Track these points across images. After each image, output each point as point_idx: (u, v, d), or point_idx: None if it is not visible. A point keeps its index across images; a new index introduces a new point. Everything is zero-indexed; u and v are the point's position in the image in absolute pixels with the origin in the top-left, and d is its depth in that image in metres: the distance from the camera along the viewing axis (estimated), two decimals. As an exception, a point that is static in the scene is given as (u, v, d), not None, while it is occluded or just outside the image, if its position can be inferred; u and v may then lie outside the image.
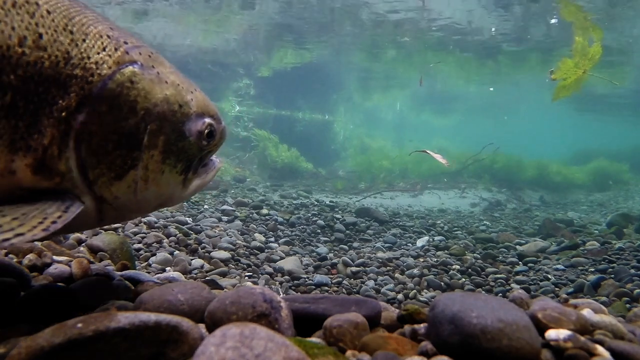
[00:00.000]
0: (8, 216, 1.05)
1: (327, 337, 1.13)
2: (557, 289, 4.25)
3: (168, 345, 0.96)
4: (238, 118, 16.78)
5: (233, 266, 4.04)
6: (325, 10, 11.62)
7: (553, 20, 9.91)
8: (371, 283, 4.28)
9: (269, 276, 4.06)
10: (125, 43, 1.31)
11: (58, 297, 1.29)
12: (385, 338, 1.12)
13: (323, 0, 11.01)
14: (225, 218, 5.69)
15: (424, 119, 35.32)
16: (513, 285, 4.42)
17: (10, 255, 1.80)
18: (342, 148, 18.59)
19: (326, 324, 1.16)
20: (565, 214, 9.72)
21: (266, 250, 4.70)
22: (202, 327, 1.16)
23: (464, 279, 4.55)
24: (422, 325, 1.23)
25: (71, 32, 1.20)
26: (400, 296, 4.07)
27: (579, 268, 4.68)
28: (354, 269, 4.56)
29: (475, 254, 5.40)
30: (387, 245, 5.68)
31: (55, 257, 1.83)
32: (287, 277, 4.13)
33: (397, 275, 4.58)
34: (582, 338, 1.04)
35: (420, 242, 5.83)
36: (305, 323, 1.25)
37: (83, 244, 2.43)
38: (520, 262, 5.13)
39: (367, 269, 4.62)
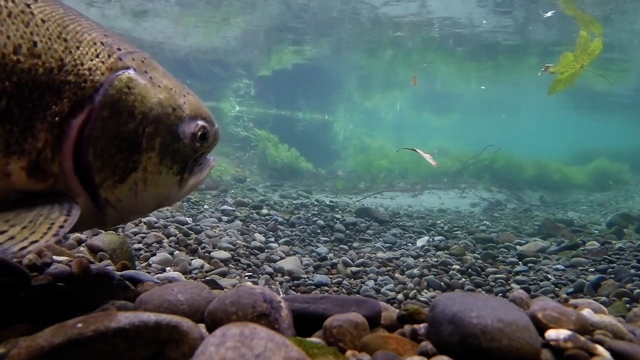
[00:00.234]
0: (17, 226, 1.09)
1: (327, 337, 1.13)
2: (557, 289, 4.25)
3: (168, 345, 0.96)
4: (238, 118, 16.78)
5: (233, 266, 4.04)
6: (325, 10, 11.62)
7: (549, 13, 9.85)
8: (371, 283, 4.28)
9: (269, 276, 4.06)
10: (119, 49, 1.36)
11: (58, 297, 1.29)
12: (385, 338, 1.12)
13: (323, 0, 11.01)
14: (225, 218, 5.69)
15: (423, 118, 35.32)
16: (513, 285, 4.42)
17: (10, 255, 1.79)
18: (342, 148, 18.59)
19: (326, 324, 1.16)
20: (565, 214, 9.72)
21: (266, 250, 4.70)
22: (202, 327, 1.16)
23: (464, 279, 4.55)
24: (422, 325, 1.23)
25: (65, 40, 1.24)
26: (400, 296, 4.07)
27: (579, 268, 4.68)
28: (354, 269, 4.56)
29: (475, 254, 5.40)
30: (387, 245, 5.68)
31: (55, 257, 1.83)
32: (287, 277, 4.13)
33: (397, 275, 4.58)
34: (582, 338, 1.04)
35: (420, 242, 5.83)
36: (305, 323, 1.25)
37: (83, 244, 2.43)
38: (520, 262, 5.13)
39: (367, 269, 4.62)
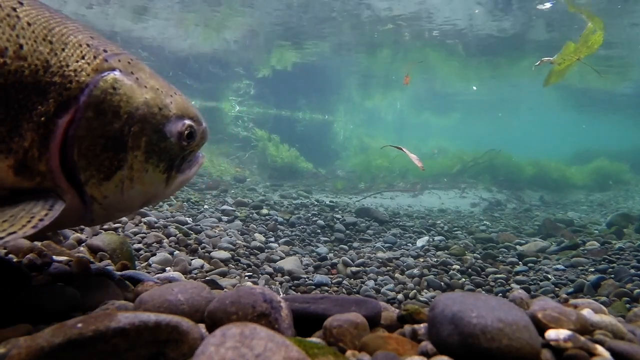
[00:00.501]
0: None
1: (327, 337, 1.13)
2: (557, 289, 4.25)
3: (168, 345, 0.96)
4: (238, 118, 16.78)
5: (233, 266, 4.04)
6: (325, 10, 11.62)
7: (547, 5, 9.81)
8: (371, 283, 4.28)
9: (269, 276, 4.06)
10: (105, 51, 1.39)
11: (58, 297, 1.29)
12: (385, 338, 1.12)
13: (323, 0, 11.01)
14: (225, 218, 5.69)
15: (423, 118, 35.34)
16: (513, 285, 4.42)
17: (11, 255, 1.80)
18: (342, 148, 18.61)
19: (326, 324, 1.16)
20: (565, 214, 9.72)
21: (266, 250, 4.70)
22: (202, 327, 1.16)
23: (464, 279, 4.55)
24: (422, 325, 1.23)
25: (50, 42, 1.27)
26: (400, 296, 4.07)
27: (579, 268, 4.68)
28: (354, 269, 4.56)
29: (475, 254, 5.40)
30: (387, 245, 5.68)
31: (55, 257, 1.83)
32: (287, 277, 4.13)
33: (397, 275, 4.58)
34: (582, 338, 1.04)
35: (420, 242, 5.83)
36: (305, 323, 1.25)
37: (83, 244, 2.43)
38: (520, 262, 5.13)
39: (367, 269, 4.62)
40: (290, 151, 14.02)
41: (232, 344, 0.81)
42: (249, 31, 14.15)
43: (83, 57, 1.32)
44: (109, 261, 2.32)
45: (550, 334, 1.05)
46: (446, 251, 5.46)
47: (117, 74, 1.36)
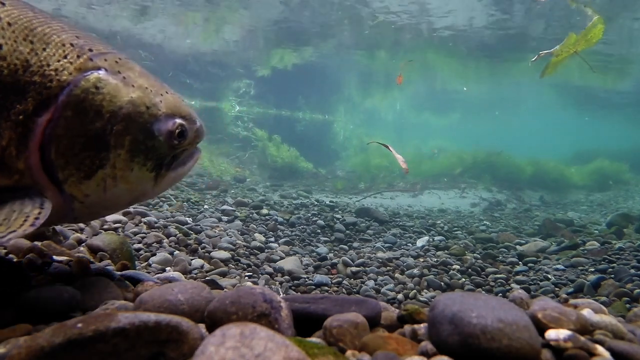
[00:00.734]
0: None
1: (327, 337, 1.13)
2: (557, 289, 4.25)
3: (168, 345, 0.96)
4: (238, 118, 16.78)
5: (233, 266, 4.04)
6: (325, 9, 11.62)
7: None
8: (371, 283, 4.28)
9: (269, 276, 4.06)
10: (90, 50, 1.39)
11: (58, 297, 1.29)
12: (385, 338, 1.12)
13: (323, 0, 11.01)
14: (225, 218, 5.69)
15: (423, 118, 35.34)
16: (513, 285, 4.42)
17: (11, 255, 1.80)
18: (342, 148, 18.61)
19: (326, 324, 1.16)
20: (565, 214, 9.73)
21: (266, 250, 4.70)
22: (202, 327, 1.16)
23: (464, 279, 4.55)
24: (422, 325, 1.23)
25: (31, 42, 1.28)
26: (400, 296, 4.07)
27: (579, 268, 4.68)
28: (354, 269, 4.56)
29: (475, 254, 5.40)
30: (387, 245, 5.68)
31: (55, 257, 1.83)
32: (287, 277, 4.14)
33: (397, 275, 4.58)
34: (582, 338, 1.04)
35: (420, 242, 5.83)
36: (305, 323, 1.25)
37: (83, 244, 2.43)
38: (520, 262, 5.13)
39: (367, 269, 4.62)
40: (290, 151, 14.02)
41: (232, 344, 0.81)
42: (248, 31, 14.15)
43: (65, 57, 1.32)
44: (109, 261, 2.32)
45: (550, 334, 1.05)
46: (446, 251, 5.46)
47: (101, 73, 1.36)
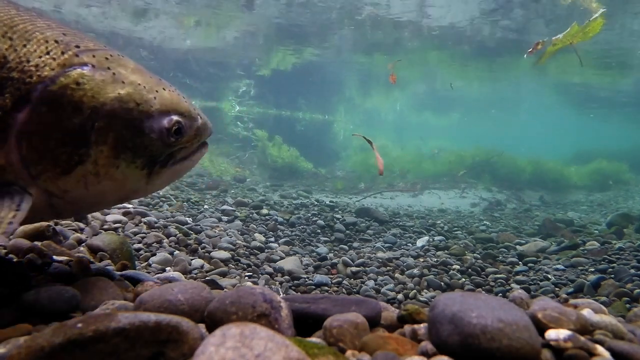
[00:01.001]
0: None
1: (327, 337, 1.13)
2: (557, 289, 4.25)
3: (168, 345, 0.96)
4: (238, 118, 16.79)
5: (233, 266, 4.04)
6: (325, 10, 11.62)
7: None
8: (371, 283, 4.28)
9: (269, 276, 4.06)
10: (77, 47, 1.38)
11: (58, 297, 1.29)
12: (385, 338, 1.12)
13: (323, 0, 11.01)
14: (225, 218, 5.69)
15: (424, 118, 35.35)
16: (513, 285, 4.42)
17: (11, 255, 1.80)
18: (342, 148, 18.60)
19: (326, 324, 1.16)
20: (565, 214, 9.72)
21: (266, 250, 4.70)
22: (202, 327, 1.16)
23: (464, 279, 4.55)
24: (422, 325, 1.23)
25: (10, 39, 1.29)
26: (400, 296, 4.07)
27: (579, 268, 4.68)
28: (354, 269, 4.56)
29: (475, 254, 5.40)
30: (387, 245, 5.68)
31: (55, 257, 1.83)
32: (287, 277, 4.14)
33: (397, 275, 4.58)
34: (582, 338, 1.04)
35: (420, 242, 5.83)
36: (305, 323, 1.25)
37: (83, 244, 2.43)
38: (520, 262, 5.13)
39: (367, 269, 4.62)
40: (290, 151, 14.02)
41: (232, 344, 0.81)
42: (248, 31, 14.15)
43: (48, 53, 1.32)
44: (109, 261, 2.32)
45: (550, 334, 1.05)
46: (446, 251, 5.46)
47: (85, 69, 1.35)
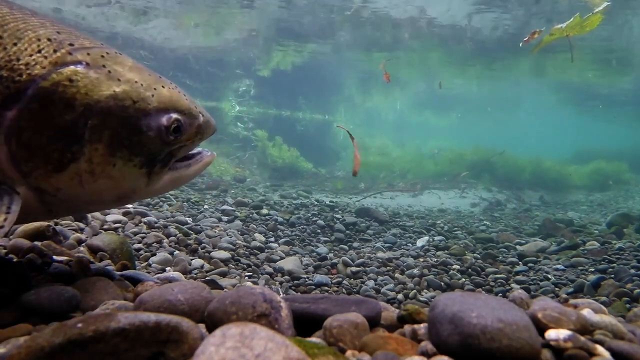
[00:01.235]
0: None
1: (327, 337, 1.13)
2: (557, 289, 4.25)
3: (168, 345, 0.96)
4: (238, 118, 16.79)
5: (233, 266, 4.04)
6: (325, 10, 11.62)
7: None
8: (371, 283, 4.28)
9: (269, 276, 4.06)
10: (71, 45, 1.37)
11: (58, 297, 1.29)
12: (385, 338, 1.12)
13: (323, 0, 11.01)
14: (225, 218, 5.69)
15: (424, 118, 35.35)
16: (513, 285, 4.42)
17: (11, 255, 1.80)
18: (342, 148, 18.60)
19: (326, 324, 1.16)
20: (565, 214, 9.72)
21: (266, 250, 4.70)
22: (202, 327, 1.16)
23: (464, 279, 4.55)
24: (422, 325, 1.23)
25: (0, 37, 1.29)
26: (400, 296, 4.07)
27: (579, 268, 4.68)
28: (354, 269, 4.56)
29: (475, 254, 5.40)
30: (387, 245, 5.68)
31: (55, 257, 1.83)
32: (287, 277, 4.14)
33: (397, 275, 4.58)
34: (582, 338, 1.04)
35: (420, 242, 5.83)
36: (305, 323, 1.25)
37: (83, 244, 2.43)
38: (520, 262, 5.13)
39: (367, 269, 4.62)
40: (290, 151, 14.03)
41: (232, 344, 0.81)
42: (248, 31, 14.15)
43: (39, 51, 1.31)
44: (109, 261, 2.32)
45: (550, 334, 1.05)
46: (446, 251, 5.46)
47: (79, 67, 1.34)
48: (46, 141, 1.29)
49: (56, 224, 2.64)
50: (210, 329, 1.14)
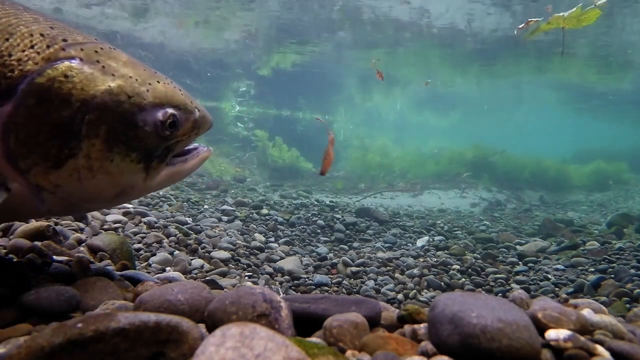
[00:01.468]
0: None
1: (327, 337, 1.13)
2: (557, 289, 4.25)
3: (168, 345, 0.96)
4: (238, 118, 16.80)
5: (233, 266, 4.04)
6: (325, 10, 11.62)
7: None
8: (371, 283, 4.28)
9: (269, 276, 4.06)
10: (64, 41, 1.37)
11: (58, 297, 1.29)
12: (385, 338, 1.12)
13: (323, 0, 11.01)
14: (225, 218, 5.69)
15: (424, 118, 35.35)
16: (513, 285, 4.42)
17: (11, 255, 1.80)
18: (342, 148, 18.62)
19: (326, 324, 1.16)
20: (565, 214, 9.72)
21: (266, 250, 4.70)
22: (202, 327, 1.16)
23: (464, 279, 4.55)
24: (422, 325, 1.23)
25: None
26: (400, 296, 4.07)
27: (579, 268, 4.68)
28: (354, 269, 4.56)
29: (475, 254, 5.40)
30: (387, 245, 5.68)
31: (55, 257, 1.83)
32: (287, 277, 4.14)
33: (397, 275, 4.58)
34: (582, 338, 1.04)
35: (420, 242, 5.84)
36: (305, 323, 1.25)
37: (83, 244, 2.43)
38: (520, 262, 5.13)
39: (367, 269, 4.62)
40: (290, 151, 14.03)
41: (232, 344, 0.81)
42: (249, 31, 14.15)
43: (32, 47, 1.31)
44: (109, 261, 2.32)
45: (550, 334, 1.05)
46: (446, 251, 5.46)
47: (73, 62, 1.34)
48: (44, 137, 1.29)
49: (56, 224, 2.64)
50: (210, 329, 1.14)
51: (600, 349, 1.03)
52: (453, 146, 19.09)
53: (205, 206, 6.31)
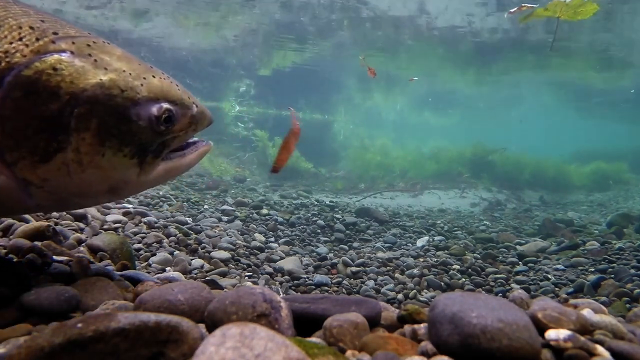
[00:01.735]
0: None
1: (327, 337, 1.13)
2: (557, 289, 4.25)
3: (168, 345, 0.96)
4: (238, 118, 16.81)
5: (233, 266, 4.05)
6: (325, 10, 11.62)
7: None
8: (371, 283, 4.28)
9: (269, 276, 4.06)
10: (55, 34, 1.35)
11: (58, 297, 1.29)
12: (385, 338, 1.12)
13: (323, 0, 11.01)
14: (225, 218, 5.69)
15: (424, 118, 35.35)
16: (513, 285, 4.42)
17: (11, 255, 1.80)
18: (342, 148, 18.62)
19: (326, 324, 1.16)
20: (565, 214, 9.72)
21: (266, 250, 4.70)
22: (202, 327, 1.16)
23: (464, 279, 4.55)
24: (422, 325, 1.23)
25: None
26: (400, 296, 4.07)
27: (579, 268, 4.68)
28: (354, 269, 4.56)
29: (475, 254, 5.40)
30: (387, 245, 5.68)
31: (55, 257, 1.83)
32: (287, 277, 4.14)
33: (397, 275, 4.58)
34: (582, 338, 1.04)
35: (420, 242, 5.84)
36: (305, 323, 1.25)
37: (83, 244, 2.43)
38: (520, 262, 5.13)
39: (367, 269, 4.62)
40: (290, 151, 14.02)
41: (232, 344, 0.81)
42: (249, 31, 14.15)
43: (20, 39, 1.29)
44: (109, 261, 2.32)
45: (550, 334, 1.05)
46: (446, 251, 5.46)
47: (63, 55, 1.32)
48: (31, 131, 1.27)
49: (56, 224, 2.64)
50: (210, 329, 1.14)
51: (600, 349, 1.03)
52: (453, 146, 19.12)
53: (205, 206, 6.31)
